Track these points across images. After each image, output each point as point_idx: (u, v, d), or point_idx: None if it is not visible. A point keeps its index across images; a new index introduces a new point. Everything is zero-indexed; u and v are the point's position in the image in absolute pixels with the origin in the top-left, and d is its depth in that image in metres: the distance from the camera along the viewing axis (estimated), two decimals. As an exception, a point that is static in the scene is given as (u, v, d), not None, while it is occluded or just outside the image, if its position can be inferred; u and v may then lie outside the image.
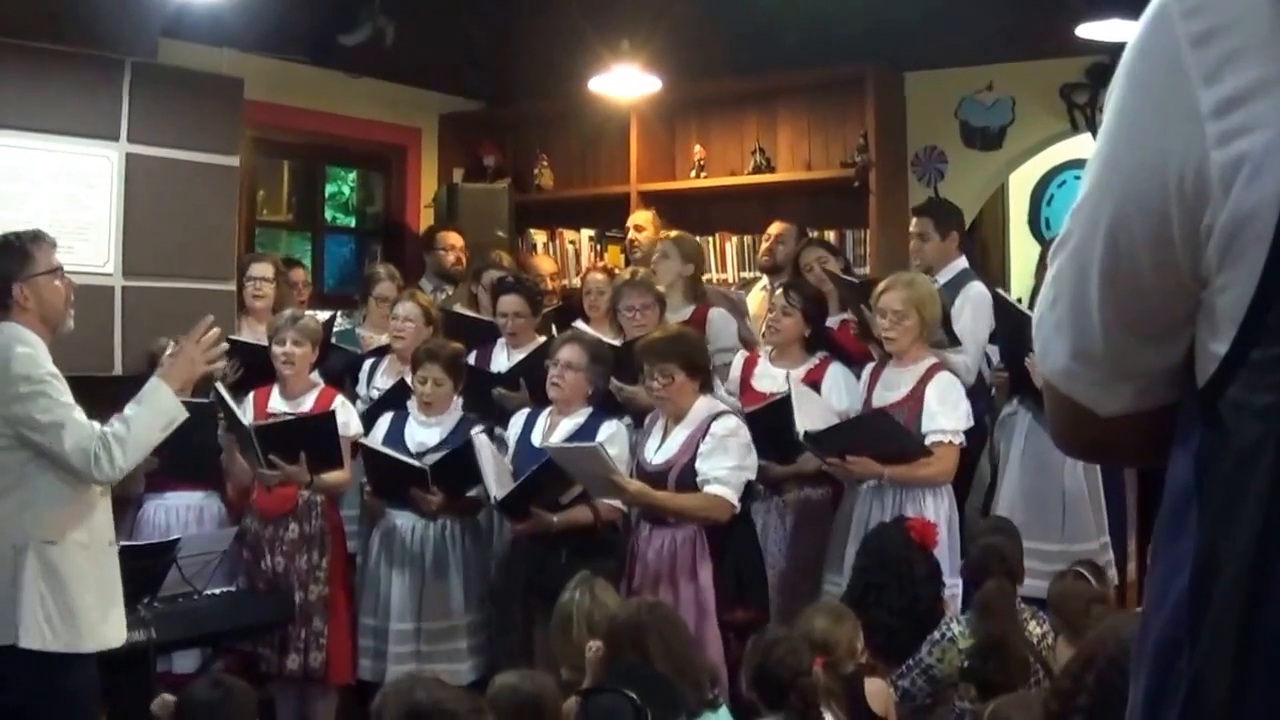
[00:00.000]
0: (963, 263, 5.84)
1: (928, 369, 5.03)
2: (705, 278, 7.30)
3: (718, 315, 5.98)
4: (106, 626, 3.91)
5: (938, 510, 4.91)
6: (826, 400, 5.26)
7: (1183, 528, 1.03)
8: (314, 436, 5.17)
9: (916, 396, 4.98)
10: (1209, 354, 1.03)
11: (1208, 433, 1.03)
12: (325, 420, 5.21)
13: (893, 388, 5.08)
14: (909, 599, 4.25)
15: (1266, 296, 0.97)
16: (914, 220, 5.97)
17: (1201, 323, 1.04)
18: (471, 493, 5.18)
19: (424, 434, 5.36)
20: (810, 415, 4.96)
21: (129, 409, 3.95)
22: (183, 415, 4.08)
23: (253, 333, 6.26)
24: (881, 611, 4.20)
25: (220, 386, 5.23)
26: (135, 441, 3.88)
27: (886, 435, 4.90)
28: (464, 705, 3.02)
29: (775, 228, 6.81)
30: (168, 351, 4.20)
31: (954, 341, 5.28)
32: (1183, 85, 1.00)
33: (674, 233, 6.63)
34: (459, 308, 6.49)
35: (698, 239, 7.01)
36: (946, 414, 4.93)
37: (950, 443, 4.93)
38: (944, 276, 5.66)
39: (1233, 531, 0.98)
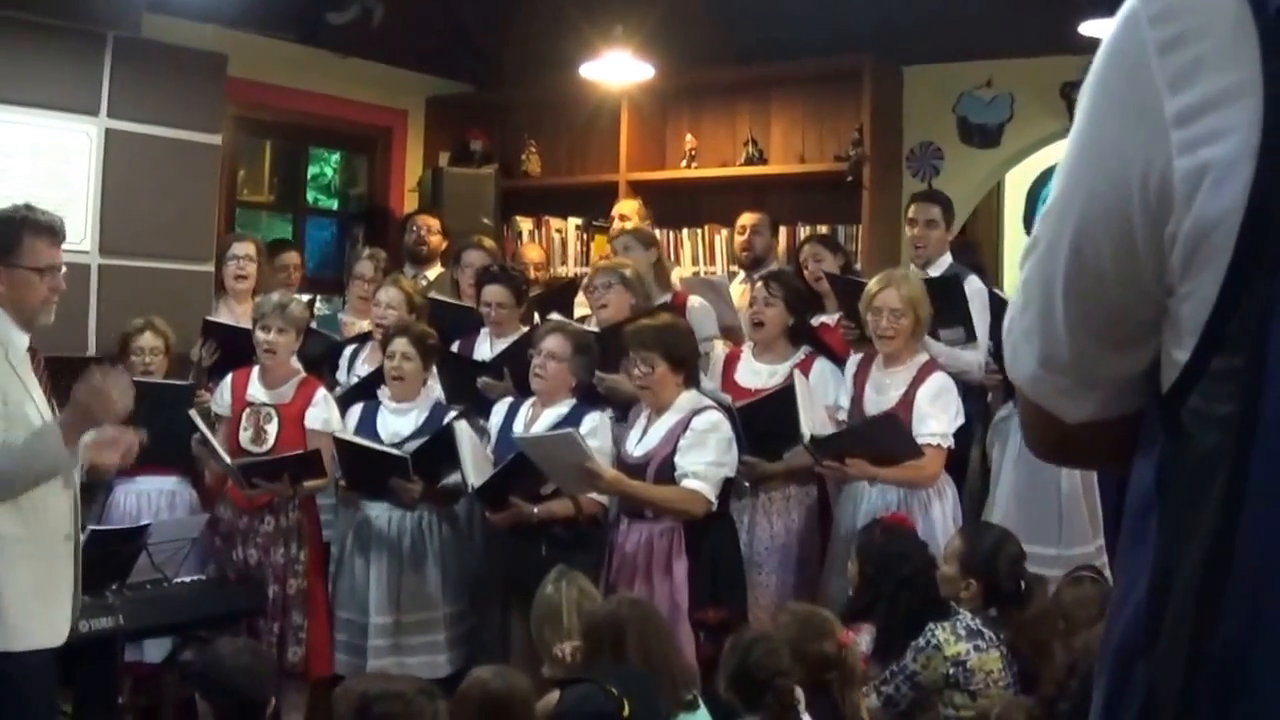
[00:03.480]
0: (950, 258, 5.87)
1: (920, 370, 5.04)
2: (692, 270, 7.32)
3: (697, 304, 5.94)
4: (42, 625, 3.61)
5: (943, 508, 4.96)
6: (816, 395, 5.26)
7: (1144, 535, 1.05)
8: (300, 466, 5.17)
9: (909, 400, 4.99)
10: (1172, 362, 1.04)
11: (1169, 440, 1.04)
12: (312, 456, 5.19)
13: (884, 390, 5.07)
14: (921, 593, 4.26)
15: (1227, 306, 0.98)
16: (917, 206, 5.95)
17: (1166, 330, 1.06)
18: (450, 479, 5.17)
19: (398, 423, 5.35)
20: (812, 416, 4.97)
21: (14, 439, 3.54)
22: (64, 467, 3.61)
23: (231, 314, 6.24)
24: (895, 614, 4.22)
25: (196, 417, 5.19)
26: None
27: (891, 439, 4.90)
28: (412, 688, 3.09)
29: (747, 219, 6.78)
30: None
31: (971, 338, 5.32)
32: (1149, 91, 1.01)
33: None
34: (434, 294, 6.44)
35: (684, 231, 6.97)
36: (937, 417, 4.94)
37: (939, 446, 4.94)
38: (937, 270, 5.68)
39: (1190, 540, 0.99)
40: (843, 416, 5.21)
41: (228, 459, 5.16)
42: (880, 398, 5.07)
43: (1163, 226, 1.02)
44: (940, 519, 4.91)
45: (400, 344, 5.33)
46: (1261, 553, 0.96)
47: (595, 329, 5.51)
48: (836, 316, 5.77)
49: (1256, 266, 0.96)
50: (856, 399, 5.17)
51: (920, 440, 4.91)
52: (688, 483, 4.70)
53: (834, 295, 5.79)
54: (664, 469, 4.76)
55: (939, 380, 5.02)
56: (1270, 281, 0.96)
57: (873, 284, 5.12)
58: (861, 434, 5.00)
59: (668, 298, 5.96)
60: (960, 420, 5.01)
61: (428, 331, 5.48)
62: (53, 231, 3.75)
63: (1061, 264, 1.09)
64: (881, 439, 4.92)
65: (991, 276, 7.25)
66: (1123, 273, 1.06)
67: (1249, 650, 0.96)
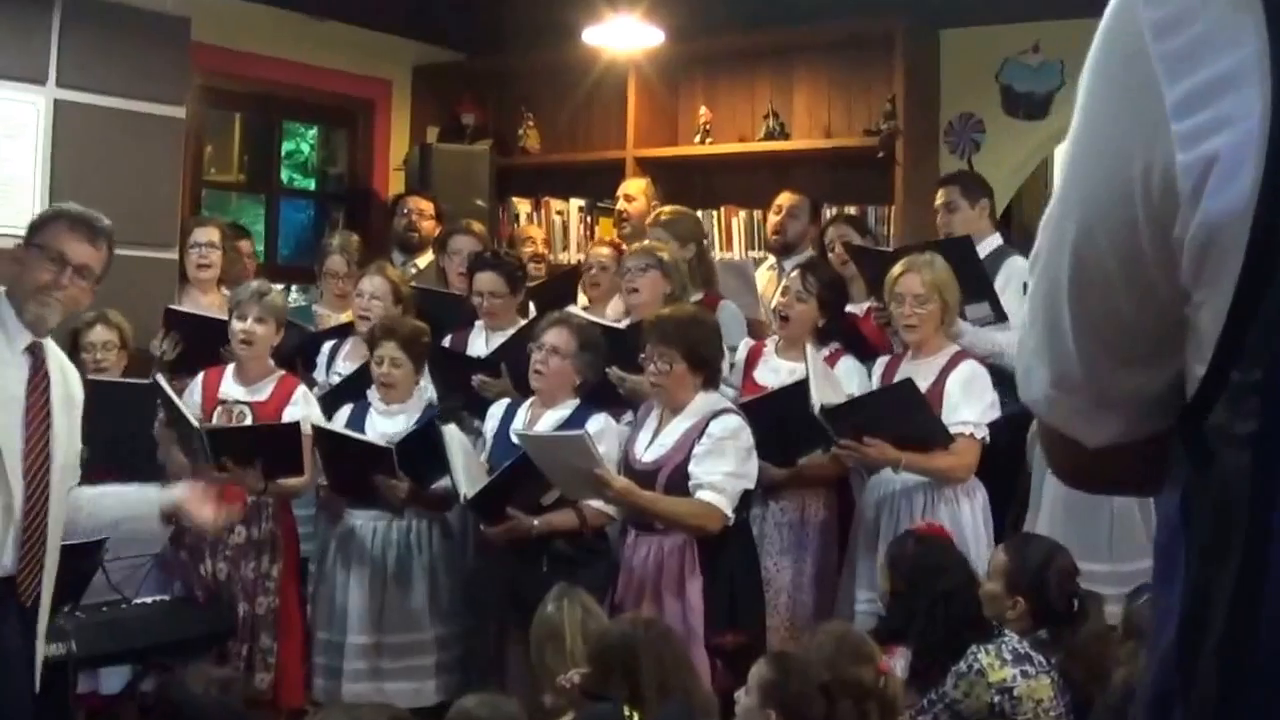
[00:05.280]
0: (998, 238, 5.93)
1: (950, 359, 5.08)
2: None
3: (727, 310, 5.91)
4: None
5: (973, 511, 4.98)
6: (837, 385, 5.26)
7: (1173, 570, 1.03)
8: (274, 445, 5.15)
9: (939, 390, 5.01)
10: (1194, 376, 1.02)
11: (1191, 464, 1.01)
12: (288, 431, 5.18)
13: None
14: (961, 611, 4.24)
15: (1243, 313, 0.95)
16: (939, 192, 6.09)
17: (1189, 341, 1.03)
18: (441, 484, 5.14)
19: (387, 425, 5.36)
20: (826, 392, 4.97)
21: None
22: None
23: (195, 306, 6.24)
24: (933, 634, 4.20)
25: (161, 379, 5.16)
26: None
27: (912, 412, 4.91)
28: (383, 715, 3.05)
29: (784, 199, 6.78)
30: None
31: (1001, 317, 5.35)
32: (1146, 79, 0.99)
33: (665, 210, 6.52)
34: (417, 283, 6.41)
35: (698, 213, 6.94)
36: (970, 404, 4.99)
37: (971, 435, 4.97)
38: (980, 251, 5.68)
39: (1219, 573, 0.96)
40: None
41: (196, 423, 5.11)
42: None
43: (1169, 229, 0.99)
44: (970, 523, 4.93)
45: (388, 349, 5.33)
46: None
47: (609, 322, 5.51)
48: (865, 306, 5.77)
49: (1272, 269, 0.93)
50: None
51: (952, 430, 4.94)
52: (703, 494, 4.68)
53: (860, 274, 5.81)
54: (676, 477, 4.74)
55: (970, 366, 5.07)
56: None
57: (895, 269, 5.16)
58: (877, 404, 5.02)
59: (698, 296, 5.92)
60: (996, 411, 5.02)
61: (419, 329, 5.46)
62: (83, 225, 3.82)
63: (1065, 275, 1.08)
64: (901, 413, 4.93)
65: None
66: (1131, 281, 1.04)
67: None
